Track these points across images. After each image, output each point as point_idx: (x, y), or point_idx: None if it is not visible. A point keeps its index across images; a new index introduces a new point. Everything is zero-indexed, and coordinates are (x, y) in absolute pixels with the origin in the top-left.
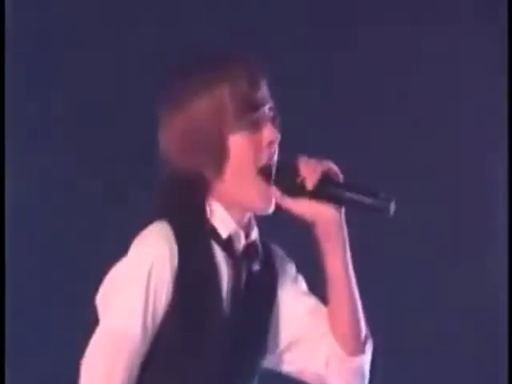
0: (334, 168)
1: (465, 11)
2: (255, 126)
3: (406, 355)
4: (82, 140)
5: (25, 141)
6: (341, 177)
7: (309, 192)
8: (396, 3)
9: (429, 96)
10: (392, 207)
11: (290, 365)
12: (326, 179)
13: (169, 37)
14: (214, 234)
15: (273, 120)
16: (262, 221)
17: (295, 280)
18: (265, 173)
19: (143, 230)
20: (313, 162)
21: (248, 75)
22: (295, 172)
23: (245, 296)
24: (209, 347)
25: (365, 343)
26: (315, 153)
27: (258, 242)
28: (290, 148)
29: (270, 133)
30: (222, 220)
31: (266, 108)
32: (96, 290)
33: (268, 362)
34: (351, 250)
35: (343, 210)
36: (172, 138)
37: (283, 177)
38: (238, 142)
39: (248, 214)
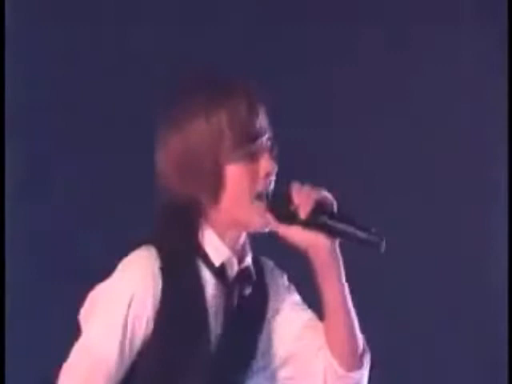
0: (328, 197)
1: (465, 11)
2: (253, 157)
3: (405, 355)
4: (82, 140)
5: (25, 141)
6: (335, 206)
7: (302, 220)
8: (396, 3)
9: (429, 96)
10: (383, 244)
11: (287, 381)
12: (319, 208)
13: (171, 56)
14: (206, 260)
15: (270, 151)
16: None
17: (288, 293)
18: (261, 198)
19: (131, 252)
20: (306, 189)
21: (247, 103)
22: (289, 200)
23: (235, 319)
24: (192, 375)
25: (362, 358)
26: (315, 153)
27: (252, 267)
28: (289, 158)
29: (267, 164)
30: (215, 248)
31: (264, 138)
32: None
33: (263, 380)
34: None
35: (337, 242)
36: (169, 160)
37: (277, 204)
38: (234, 172)
39: (243, 238)
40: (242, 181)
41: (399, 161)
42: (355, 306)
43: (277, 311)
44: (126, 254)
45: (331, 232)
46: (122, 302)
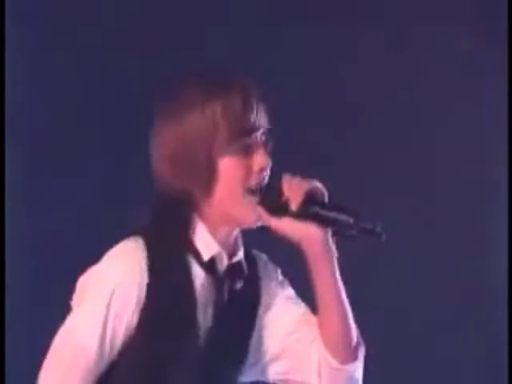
0: (319, 187)
1: (465, 11)
2: (247, 151)
3: (406, 355)
4: (82, 140)
5: (25, 141)
6: (326, 196)
7: (293, 212)
8: (396, 3)
9: (429, 96)
10: (378, 229)
11: (280, 376)
12: (309, 199)
13: (172, 57)
14: (195, 255)
15: (265, 145)
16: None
17: (281, 288)
18: (253, 192)
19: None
20: (297, 181)
21: (242, 98)
22: (280, 192)
23: (226, 313)
24: (180, 370)
25: (356, 350)
26: (315, 153)
27: (243, 262)
28: (289, 158)
29: (261, 159)
30: (205, 243)
31: (260, 133)
32: None
33: (256, 374)
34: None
35: (330, 229)
36: (163, 153)
37: (268, 197)
38: (228, 165)
39: (235, 233)
40: (236, 174)
41: (399, 161)
42: (356, 306)
43: (269, 306)
44: None
45: (323, 222)
46: (105, 293)
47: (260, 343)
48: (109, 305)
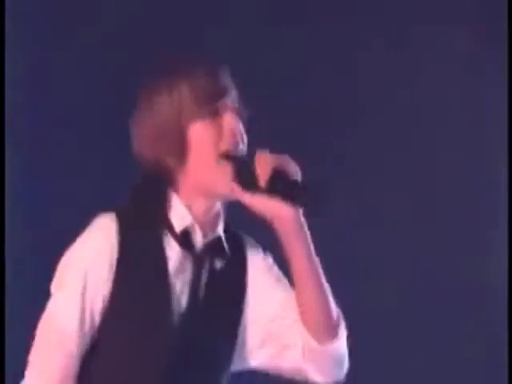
0: (289, 163)
1: (465, 11)
2: (216, 115)
3: (405, 355)
4: (82, 140)
5: (25, 141)
6: (298, 174)
7: (262, 189)
8: (396, 3)
9: (429, 96)
10: (327, 205)
11: (266, 361)
12: (277, 176)
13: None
14: (169, 228)
15: (234, 110)
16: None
17: (268, 270)
18: (227, 158)
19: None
20: (267, 157)
21: (207, 70)
22: (253, 168)
23: (207, 294)
24: (157, 348)
25: (336, 328)
26: (315, 153)
27: (224, 240)
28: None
29: (230, 120)
30: (178, 214)
31: (228, 99)
32: None
33: (242, 361)
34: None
35: (302, 209)
36: (139, 132)
37: (242, 171)
38: (198, 130)
39: (215, 210)
40: (207, 138)
41: (399, 161)
42: (356, 306)
43: (255, 290)
44: None
45: (292, 200)
46: (79, 275)
47: (250, 325)
48: (84, 287)
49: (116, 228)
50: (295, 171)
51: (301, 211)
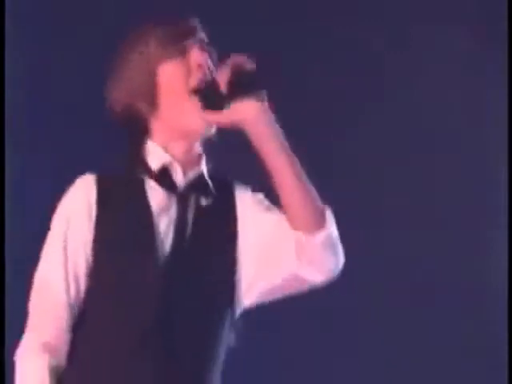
0: (243, 61)
1: (465, 11)
2: (183, 54)
3: (405, 355)
4: (82, 140)
5: (25, 141)
6: (251, 67)
7: (226, 96)
8: (396, 3)
9: (429, 96)
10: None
11: (264, 289)
12: (237, 76)
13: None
14: (147, 170)
15: (202, 47)
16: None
17: (257, 202)
18: (197, 93)
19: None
20: (223, 67)
21: (174, 16)
22: (216, 86)
23: (194, 231)
24: (145, 290)
25: (323, 214)
26: (315, 153)
27: (207, 178)
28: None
29: (197, 56)
30: (154, 155)
31: (195, 39)
32: None
33: (241, 293)
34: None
35: (265, 99)
36: (112, 87)
37: (208, 95)
38: (167, 71)
39: (195, 150)
40: (175, 77)
41: (399, 161)
42: (356, 306)
43: (245, 222)
44: None
45: (254, 90)
46: (58, 236)
47: (242, 263)
48: (65, 239)
49: (94, 180)
50: (250, 65)
51: (266, 104)
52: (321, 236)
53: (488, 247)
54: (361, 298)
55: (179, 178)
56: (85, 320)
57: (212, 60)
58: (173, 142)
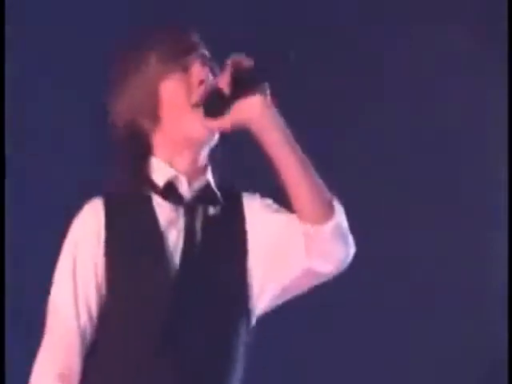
0: (240, 60)
1: (465, 11)
2: (185, 70)
3: (405, 355)
4: (82, 139)
5: (25, 141)
6: (249, 63)
7: (229, 98)
8: (396, 3)
9: (429, 96)
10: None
11: (280, 285)
12: (237, 75)
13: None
14: (153, 186)
15: (203, 63)
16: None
17: (265, 206)
18: (199, 105)
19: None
20: (223, 71)
21: (174, 31)
22: (218, 92)
23: (204, 241)
24: (161, 303)
25: (331, 204)
26: (316, 153)
27: (214, 187)
28: None
29: (199, 71)
30: (159, 171)
31: (196, 54)
32: None
33: (252, 305)
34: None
35: (268, 93)
36: (113, 103)
37: (210, 102)
38: (169, 86)
39: (200, 160)
40: (177, 92)
41: (399, 161)
42: (356, 306)
43: (254, 225)
44: None
45: (256, 85)
46: (68, 262)
47: (253, 268)
48: (74, 274)
49: (101, 203)
50: (248, 61)
51: (269, 98)
52: (329, 226)
53: (488, 247)
54: (360, 297)
55: (185, 189)
56: (97, 343)
57: (214, 75)
58: (177, 155)
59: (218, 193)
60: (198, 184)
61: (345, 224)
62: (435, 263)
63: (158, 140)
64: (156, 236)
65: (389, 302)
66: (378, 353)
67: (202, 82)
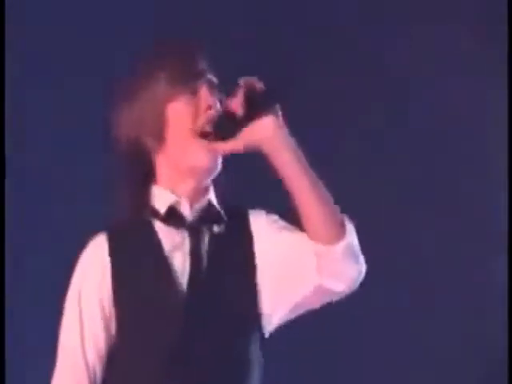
0: (252, 82)
1: (465, 11)
2: (193, 94)
3: (405, 355)
4: (82, 139)
5: (25, 141)
6: (259, 85)
7: (242, 119)
8: (396, 3)
9: (429, 96)
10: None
11: (292, 303)
12: (250, 97)
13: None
14: (154, 214)
15: (211, 88)
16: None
17: (272, 222)
18: (206, 135)
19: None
20: (235, 96)
21: (182, 52)
22: (228, 113)
23: (211, 260)
24: (170, 329)
25: (343, 224)
26: (315, 153)
27: (215, 203)
28: None
29: (207, 96)
30: (160, 197)
31: (204, 79)
32: None
33: (267, 320)
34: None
35: (280, 114)
36: (119, 120)
37: (220, 124)
38: (176, 108)
39: (203, 184)
40: (184, 115)
41: (399, 161)
42: (356, 307)
43: (261, 243)
44: None
45: (270, 105)
46: (74, 300)
47: (263, 285)
48: (80, 314)
49: (105, 238)
50: (258, 84)
51: (281, 119)
52: (341, 246)
53: (488, 247)
54: (360, 298)
55: (187, 211)
56: (108, 377)
57: (220, 102)
58: (180, 181)
59: (222, 211)
60: (199, 205)
61: (356, 243)
62: (435, 263)
63: (161, 162)
64: (161, 261)
65: (388, 302)
66: (378, 352)
67: (209, 107)
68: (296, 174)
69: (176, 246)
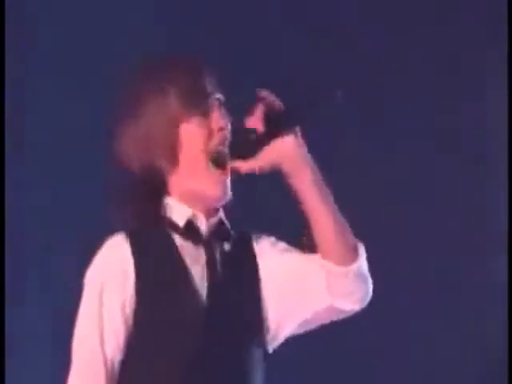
0: (271, 99)
1: (465, 11)
2: (205, 115)
3: (406, 355)
4: (82, 139)
5: (25, 141)
6: (278, 104)
7: (264, 137)
8: (396, 3)
9: (429, 96)
10: (338, 94)
11: (300, 320)
12: (270, 115)
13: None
14: (173, 227)
15: (221, 109)
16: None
17: (273, 243)
18: (218, 161)
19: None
20: (253, 113)
21: (192, 73)
22: (246, 131)
23: (224, 274)
24: (191, 335)
25: (356, 247)
26: (316, 153)
27: (226, 222)
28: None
29: (218, 118)
30: (177, 210)
31: (213, 99)
32: None
33: (274, 334)
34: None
35: (299, 133)
36: (127, 143)
37: (238, 142)
38: (188, 129)
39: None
40: (197, 136)
41: (398, 161)
42: (360, 315)
43: (265, 262)
44: None
45: (290, 124)
46: (94, 296)
47: (268, 302)
48: (100, 313)
49: (124, 238)
50: (277, 102)
51: (300, 138)
52: (353, 268)
53: (488, 247)
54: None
55: (203, 226)
56: (124, 375)
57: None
58: (193, 200)
59: (232, 231)
60: (213, 220)
61: (366, 264)
62: (435, 263)
63: (174, 182)
64: (183, 272)
65: (388, 302)
66: (378, 352)
67: (221, 129)
68: (314, 194)
69: (194, 259)
